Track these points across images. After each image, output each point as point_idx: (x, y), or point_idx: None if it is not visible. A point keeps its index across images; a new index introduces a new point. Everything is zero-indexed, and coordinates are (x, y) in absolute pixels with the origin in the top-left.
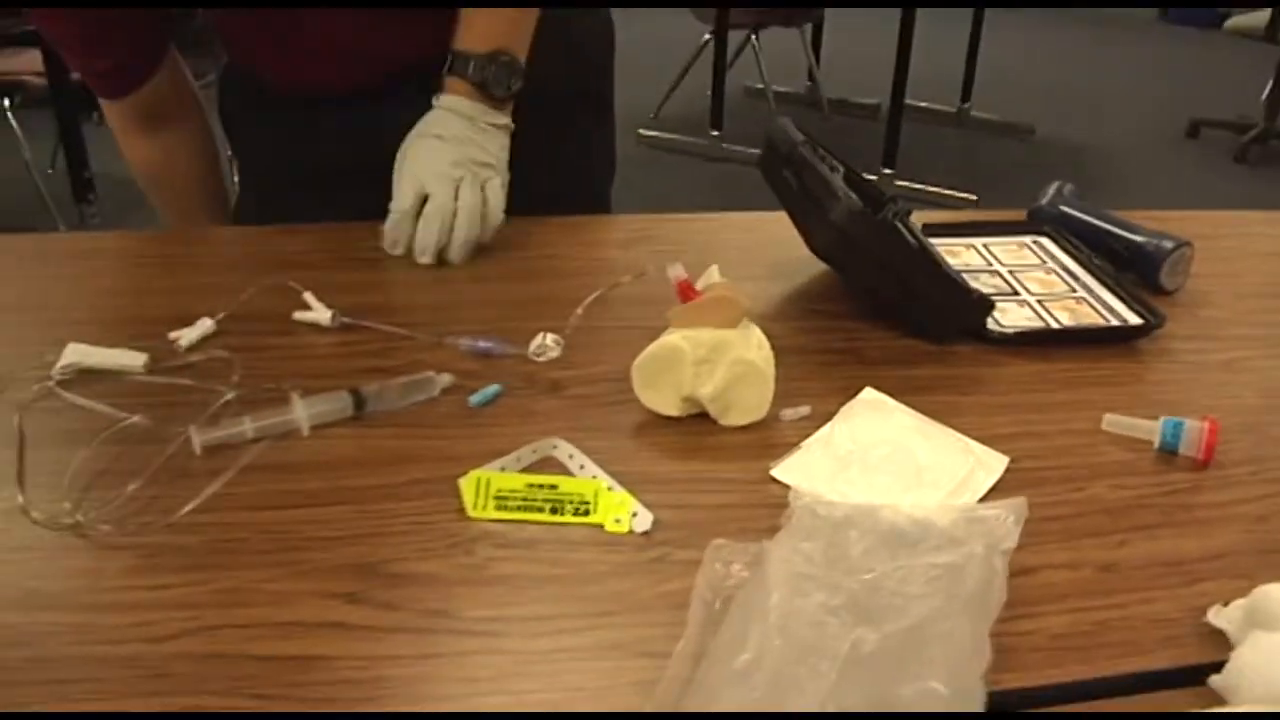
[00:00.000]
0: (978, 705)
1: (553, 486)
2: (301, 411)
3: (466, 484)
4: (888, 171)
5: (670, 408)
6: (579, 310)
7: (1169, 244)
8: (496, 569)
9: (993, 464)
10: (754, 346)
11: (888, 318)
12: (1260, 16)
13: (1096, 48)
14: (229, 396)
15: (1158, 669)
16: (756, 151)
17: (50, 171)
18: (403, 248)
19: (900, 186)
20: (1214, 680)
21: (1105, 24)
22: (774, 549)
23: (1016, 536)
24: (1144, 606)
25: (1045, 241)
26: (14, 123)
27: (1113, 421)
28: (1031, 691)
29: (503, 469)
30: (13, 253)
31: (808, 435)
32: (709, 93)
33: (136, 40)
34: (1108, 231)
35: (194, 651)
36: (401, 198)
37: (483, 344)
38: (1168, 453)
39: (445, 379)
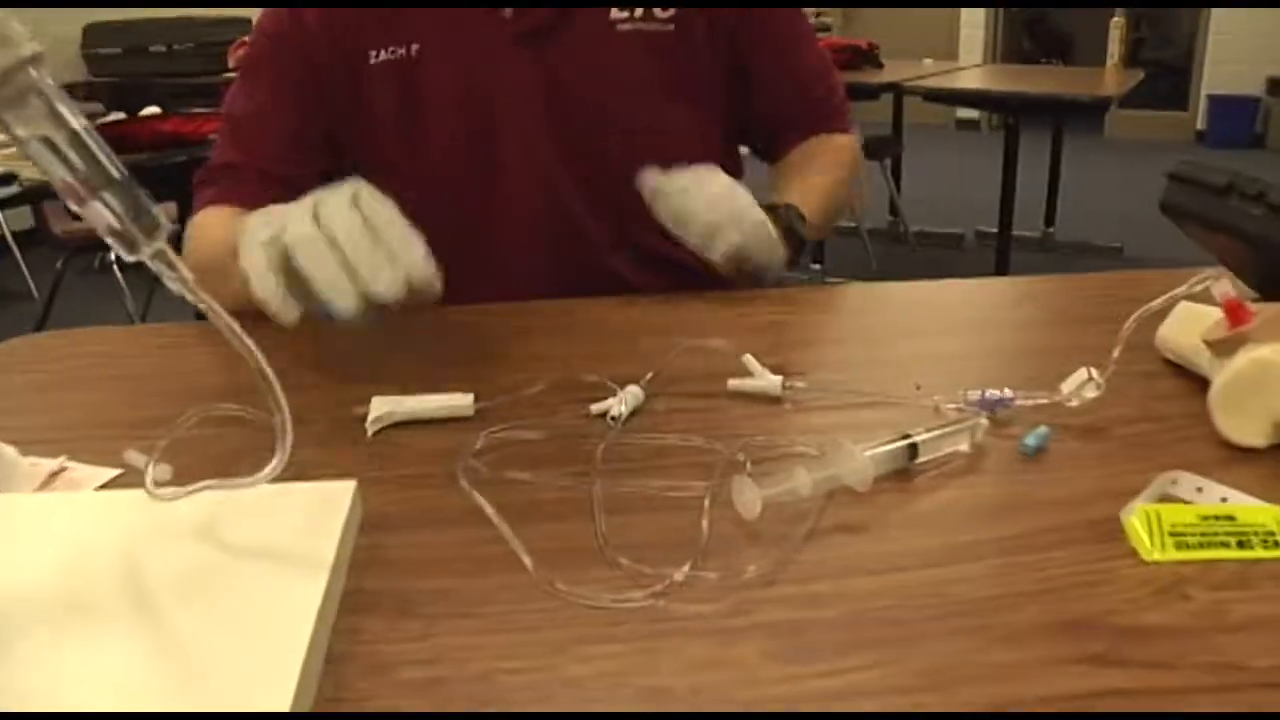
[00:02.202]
0: None
1: (1229, 518)
2: (865, 461)
3: (1138, 522)
4: None
5: (1258, 436)
6: (1114, 353)
7: None
8: (1232, 613)
9: None
10: None
11: None
12: None
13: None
14: (740, 450)
15: None
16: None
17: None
18: None
19: None
20: None
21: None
22: None
23: None
24: None
25: None
26: (118, 273)
27: None
28: None
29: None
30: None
31: None
32: None
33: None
34: None
35: None
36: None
37: (992, 394)
38: None
39: (984, 423)
